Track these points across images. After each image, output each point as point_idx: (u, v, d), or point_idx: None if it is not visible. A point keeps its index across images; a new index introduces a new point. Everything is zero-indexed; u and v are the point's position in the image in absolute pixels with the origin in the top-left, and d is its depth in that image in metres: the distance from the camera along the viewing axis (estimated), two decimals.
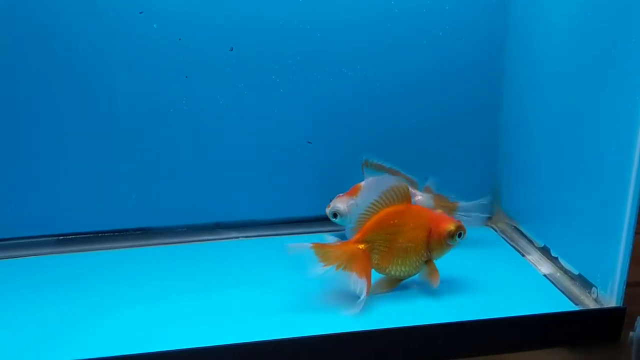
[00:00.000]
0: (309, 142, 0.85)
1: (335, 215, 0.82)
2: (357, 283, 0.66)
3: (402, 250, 0.68)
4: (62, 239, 0.83)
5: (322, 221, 0.88)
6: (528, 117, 0.82)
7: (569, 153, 0.72)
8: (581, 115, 0.69)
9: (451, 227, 0.69)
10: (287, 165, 0.86)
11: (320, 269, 0.64)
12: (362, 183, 0.82)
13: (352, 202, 0.81)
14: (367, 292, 0.66)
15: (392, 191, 0.67)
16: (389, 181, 0.68)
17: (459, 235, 0.69)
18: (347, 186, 0.84)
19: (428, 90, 0.86)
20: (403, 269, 0.69)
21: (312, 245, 0.65)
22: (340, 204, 0.82)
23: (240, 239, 0.86)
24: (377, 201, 0.67)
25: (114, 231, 0.84)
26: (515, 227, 0.87)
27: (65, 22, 0.76)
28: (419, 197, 0.81)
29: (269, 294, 0.69)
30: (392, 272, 0.70)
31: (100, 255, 0.81)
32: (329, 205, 0.83)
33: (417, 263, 0.70)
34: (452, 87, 0.86)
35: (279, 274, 0.74)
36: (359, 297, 0.65)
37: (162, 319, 0.65)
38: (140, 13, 0.77)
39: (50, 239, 0.83)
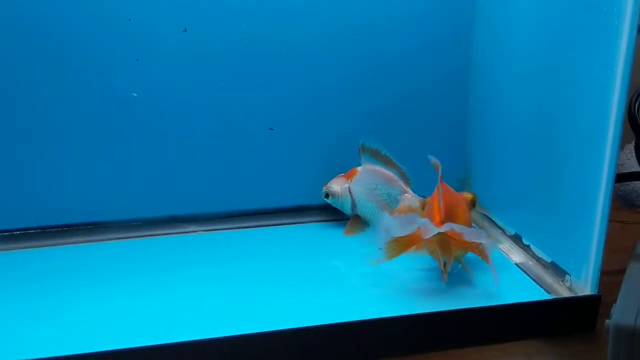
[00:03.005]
0: (271, 129, 0.83)
1: (327, 195, 0.83)
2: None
3: (468, 221, 0.70)
4: (7, 235, 0.79)
5: (284, 213, 0.86)
6: (498, 105, 0.81)
7: (540, 139, 0.71)
8: (552, 101, 0.67)
9: (469, 195, 0.78)
10: (245, 153, 0.83)
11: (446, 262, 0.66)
12: (359, 168, 0.83)
13: (346, 185, 0.83)
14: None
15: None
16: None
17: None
18: (308, 175, 0.84)
19: (393, 77, 0.84)
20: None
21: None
22: (335, 185, 0.84)
23: (198, 232, 0.83)
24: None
25: (62, 226, 0.81)
26: (485, 215, 0.86)
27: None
28: (408, 194, 0.80)
29: (228, 289, 0.67)
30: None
31: (47, 252, 0.77)
32: (326, 184, 0.83)
33: None
34: (419, 74, 0.85)
35: (238, 268, 0.72)
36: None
37: (112, 318, 0.62)
38: None
39: None
